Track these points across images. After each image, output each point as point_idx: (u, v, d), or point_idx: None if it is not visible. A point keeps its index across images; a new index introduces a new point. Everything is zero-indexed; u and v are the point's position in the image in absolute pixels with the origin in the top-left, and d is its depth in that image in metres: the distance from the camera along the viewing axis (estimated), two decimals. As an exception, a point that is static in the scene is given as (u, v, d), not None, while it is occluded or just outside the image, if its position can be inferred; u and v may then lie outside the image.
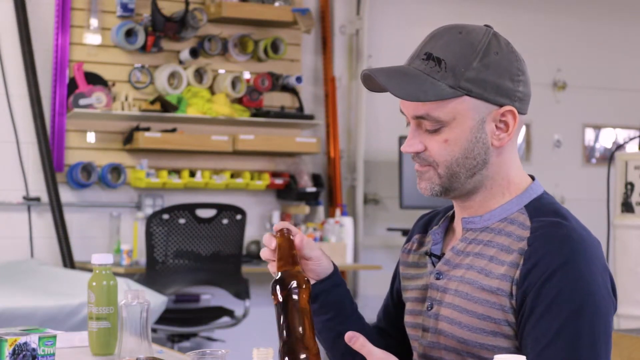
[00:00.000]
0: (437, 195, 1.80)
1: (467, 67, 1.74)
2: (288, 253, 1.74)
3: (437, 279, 1.83)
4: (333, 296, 1.93)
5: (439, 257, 1.86)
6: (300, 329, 1.60)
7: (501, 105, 1.76)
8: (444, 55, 1.75)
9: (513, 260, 1.72)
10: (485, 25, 1.82)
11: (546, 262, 1.68)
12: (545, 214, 1.76)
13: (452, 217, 1.91)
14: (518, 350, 1.72)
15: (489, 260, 1.76)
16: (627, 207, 4.48)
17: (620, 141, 6.96)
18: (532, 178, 1.86)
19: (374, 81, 1.78)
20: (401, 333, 1.98)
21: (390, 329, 2.04)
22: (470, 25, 1.81)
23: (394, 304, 2.03)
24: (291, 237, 1.78)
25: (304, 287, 1.65)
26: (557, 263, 1.67)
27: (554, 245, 1.69)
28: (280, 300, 1.63)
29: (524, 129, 6.68)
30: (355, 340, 1.62)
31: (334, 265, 1.94)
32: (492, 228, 1.79)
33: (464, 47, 1.75)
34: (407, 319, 1.91)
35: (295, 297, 1.63)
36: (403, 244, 2.01)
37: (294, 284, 1.64)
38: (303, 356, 1.58)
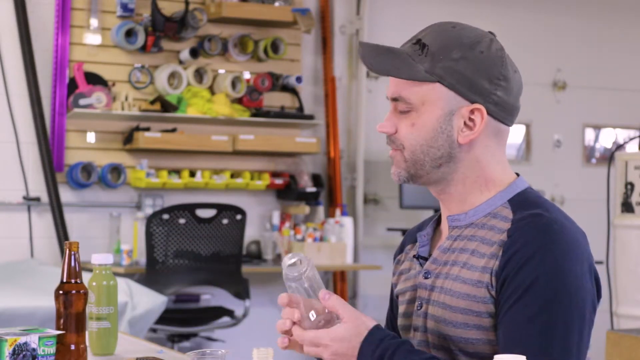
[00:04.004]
0: (404, 181, 1.81)
1: (446, 55, 1.75)
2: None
3: (426, 278, 1.82)
4: None
5: (427, 259, 1.85)
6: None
7: (472, 102, 1.76)
8: (430, 42, 1.77)
9: (493, 252, 1.72)
10: (489, 32, 1.82)
11: (523, 250, 1.68)
12: (528, 207, 1.75)
13: (439, 219, 1.90)
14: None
15: (470, 254, 1.76)
16: (627, 207, 4.48)
17: (620, 141, 6.95)
18: (518, 175, 1.85)
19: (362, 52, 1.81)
20: None
21: None
22: (469, 26, 1.82)
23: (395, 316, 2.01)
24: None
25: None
26: (533, 250, 1.67)
27: (531, 235, 1.69)
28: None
29: (524, 132, 6.68)
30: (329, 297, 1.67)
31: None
32: (476, 223, 1.79)
33: (451, 39, 1.77)
34: (400, 321, 1.90)
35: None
36: (395, 255, 2.00)
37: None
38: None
